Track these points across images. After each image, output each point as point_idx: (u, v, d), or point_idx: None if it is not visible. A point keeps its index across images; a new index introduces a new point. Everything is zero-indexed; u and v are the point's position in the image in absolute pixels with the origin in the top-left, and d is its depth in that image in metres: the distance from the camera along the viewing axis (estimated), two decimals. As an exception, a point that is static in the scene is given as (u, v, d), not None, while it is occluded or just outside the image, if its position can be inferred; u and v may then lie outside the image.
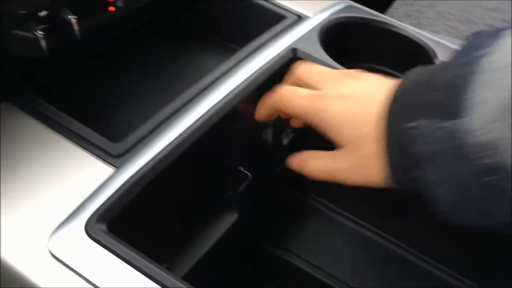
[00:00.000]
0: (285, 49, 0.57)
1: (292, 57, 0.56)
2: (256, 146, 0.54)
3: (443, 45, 0.61)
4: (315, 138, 0.60)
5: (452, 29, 0.90)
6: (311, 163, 0.42)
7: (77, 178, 0.43)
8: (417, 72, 0.36)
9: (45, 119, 0.47)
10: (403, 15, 0.94)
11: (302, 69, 0.45)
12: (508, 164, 0.29)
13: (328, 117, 0.39)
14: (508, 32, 0.32)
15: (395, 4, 0.97)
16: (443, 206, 0.33)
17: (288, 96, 0.42)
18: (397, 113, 0.35)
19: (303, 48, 0.57)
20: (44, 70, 0.51)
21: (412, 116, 0.33)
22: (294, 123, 0.48)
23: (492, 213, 0.31)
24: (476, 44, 0.32)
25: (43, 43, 0.46)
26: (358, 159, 0.38)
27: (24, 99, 0.49)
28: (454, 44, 0.64)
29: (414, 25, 0.92)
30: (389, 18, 0.66)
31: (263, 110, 0.47)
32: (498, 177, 0.29)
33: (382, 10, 0.96)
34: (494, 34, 0.32)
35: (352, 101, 0.38)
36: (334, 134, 0.39)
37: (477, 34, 0.34)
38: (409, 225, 0.60)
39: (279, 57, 0.55)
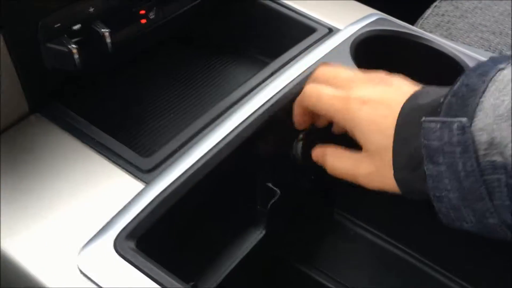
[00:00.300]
0: (316, 63, 0.56)
1: (323, 71, 0.56)
2: (286, 162, 0.53)
3: (476, 59, 0.60)
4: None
5: (485, 41, 0.88)
6: (333, 162, 0.44)
7: (107, 192, 0.43)
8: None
9: (75, 132, 0.47)
10: (433, 26, 0.92)
11: (327, 69, 0.45)
12: None
13: (357, 122, 0.40)
14: None
15: (426, 15, 0.96)
16: (443, 204, 0.34)
17: (317, 95, 0.43)
18: (410, 111, 0.37)
19: (334, 61, 0.56)
20: (75, 82, 0.52)
21: (424, 114, 0.35)
22: (320, 123, 0.49)
23: (491, 214, 0.32)
24: (500, 60, 0.35)
25: (76, 57, 0.46)
26: (378, 166, 0.39)
27: (54, 110, 0.49)
28: (487, 58, 0.62)
29: (445, 37, 0.90)
30: (420, 30, 0.65)
31: (295, 111, 0.48)
32: (504, 175, 0.31)
33: (413, 21, 0.94)
34: None
35: (381, 108, 0.39)
36: (361, 138, 0.40)
37: (499, 55, 0.37)
38: (439, 245, 0.59)
39: (310, 71, 0.54)
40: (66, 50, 0.45)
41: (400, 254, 0.62)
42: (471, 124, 0.32)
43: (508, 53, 0.84)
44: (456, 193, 0.33)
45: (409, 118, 0.37)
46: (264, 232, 0.51)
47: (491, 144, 0.31)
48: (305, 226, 0.61)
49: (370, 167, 0.39)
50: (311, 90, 0.44)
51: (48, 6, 0.44)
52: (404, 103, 0.38)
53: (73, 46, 0.46)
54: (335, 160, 0.44)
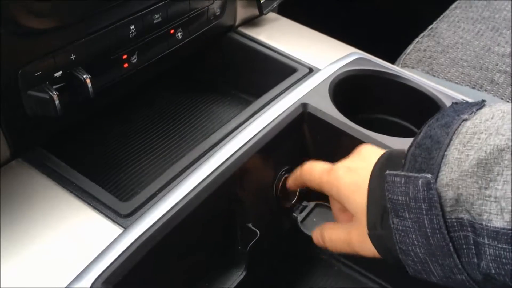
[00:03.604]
0: (295, 103, 0.57)
1: (302, 111, 0.57)
2: (265, 202, 0.54)
3: (454, 98, 0.61)
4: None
5: (466, 76, 0.89)
6: (330, 235, 0.45)
7: (85, 238, 0.43)
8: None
9: (55, 176, 0.48)
10: (415, 62, 0.94)
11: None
12: (482, 220, 0.29)
13: (341, 188, 0.41)
14: (488, 104, 0.35)
15: (408, 50, 0.98)
16: (410, 258, 0.34)
17: (308, 172, 0.46)
18: (380, 169, 0.38)
19: (313, 102, 0.57)
20: (56, 126, 0.52)
21: (391, 168, 0.35)
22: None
23: (459, 270, 0.31)
24: (461, 109, 0.35)
25: (57, 103, 0.47)
26: (364, 230, 0.39)
27: (36, 155, 0.49)
28: (465, 96, 0.63)
29: (427, 72, 0.92)
30: (399, 69, 0.66)
31: (290, 184, 0.52)
32: (471, 233, 0.30)
33: (395, 58, 0.96)
34: (477, 104, 0.35)
35: (359, 173, 0.40)
36: (346, 202, 0.41)
37: (462, 102, 0.37)
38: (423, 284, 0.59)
39: (290, 112, 0.56)
40: (47, 97, 0.46)
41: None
42: (436, 180, 0.32)
43: (470, 100, 0.86)
44: (423, 248, 0.32)
45: (379, 175, 0.37)
46: (245, 273, 0.52)
47: (457, 200, 0.31)
48: (286, 265, 0.61)
49: (362, 234, 0.39)
50: (304, 167, 0.47)
51: (29, 55, 0.45)
52: (375, 164, 0.39)
53: (54, 93, 0.46)
54: (332, 233, 0.45)
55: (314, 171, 0.45)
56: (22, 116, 0.47)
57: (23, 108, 0.47)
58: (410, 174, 0.33)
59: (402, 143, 0.53)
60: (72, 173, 0.48)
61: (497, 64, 0.93)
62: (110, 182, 0.54)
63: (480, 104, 0.35)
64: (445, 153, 0.32)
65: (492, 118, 0.32)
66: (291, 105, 0.57)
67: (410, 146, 0.35)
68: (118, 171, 0.56)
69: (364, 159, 0.41)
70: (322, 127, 0.56)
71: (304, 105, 0.57)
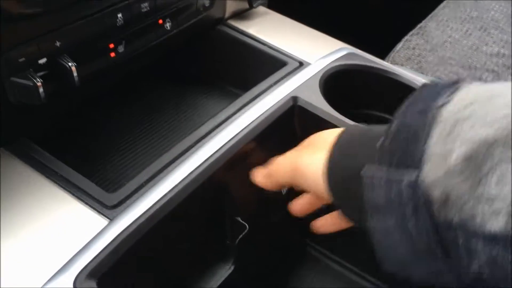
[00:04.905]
0: (285, 96, 0.56)
1: (293, 104, 0.56)
2: (254, 195, 0.53)
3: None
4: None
5: (454, 75, 0.90)
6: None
7: (69, 229, 0.42)
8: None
9: (38, 166, 0.46)
10: (405, 59, 0.94)
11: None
12: (475, 223, 0.26)
13: (308, 174, 0.39)
14: (466, 84, 0.30)
15: (397, 48, 0.98)
16: (390, 259, 0.31)
17: (275, 169, 0.44)
18: (340, 162, 0.35)
19: (303, 96, 0.57)
20: (41, 116, 0.51)
21: (361, 161, 0.32)
22: None
23: (447, 272, 0.28)
24: (438, 90, 0.30)
25: (41, 91, 0.45)
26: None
27: (19, 144, 0.48)
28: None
29: (416, 70, 0.92)
30: (388, 64, 0.66)
31: (264, 183, 0.47)
32: (463, 235, 0.27)
33: (384, 54, 0.96)
34: (452, 85, 0.30)
35: (320, 157, 0.38)
36: (313, 188, 0.39)
37: (434, 84, 0.32)
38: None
39: (280, 105, 0.55)
40: (31, 84, 0.45)
41: (371, 287, 0.62)
42: (417, 178, 0.28)
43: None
44: (406, 250, 0.29)
45: (344, 163, 0.35)
46: (233, 267, 0.51)
47: (446, 201, 0.27)
48: (275, 259, 0.60)
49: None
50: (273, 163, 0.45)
51: (13, 40, 0.44)
52: (333, 147, 0.37)
53: (38, 80, 0.45)
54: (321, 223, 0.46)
55: (278, 165, 0.43)
56: (5, 104, 0.46)
57: (6, 96, 0.45)
58: (391, 173, 0.29)
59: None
60: (56, 163, 0.47)
61: (485, 64, 0.94)
62: (95, 174, 0.53)
63: (456, 85, 0.30)
64: (425, 146, 0.28)
65: (475, 102, 0.28)
66: (282, 98, 0.56)
67: (385, 139, 0.31)
68: (104, 162, 0.54)
69: (325, 140, 0.39)
70: (312, 120, 0.55)
71: (295, 99, 0.56)
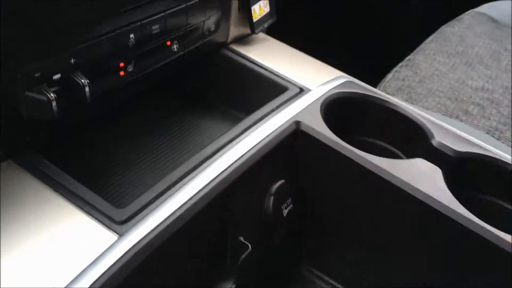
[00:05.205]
0: (288, 121, 0.58)
1: (296, 129, 0.58)
2: (257, 217, 0.54)
3: (439, 126, 0.63)
4: (314, 208, 0.61)
5: (442, 106, 0.93)
6: None
7: (78, 243, 0.42)
8: None
9: (48, 181, 0.46)
10: (395, 90, 0.97)
11: None
12: None
13: None
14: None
15: (387, 79, 1.01)
16: None
17: None
18: None
19: (305, 120, 0.58)
20: (50, 130, 0.51)
21: None
22: None
23: None
24: None
25: (54, 105, 0.46)
26: None
27: (27, 157, 0.48)
28: (450, 124, 0.66)
29: (406, 100, 0.95)
30: (386, 95, 0.69)
31: None
32: None
33: (375, 84, 0.99)
34: None
35: None
36: None
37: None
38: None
39: (284, 128, 0.57)
40: (45, 99, 0.45)
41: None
42: None
43: (464, 117, 0.90)
44: None
45: None
46: (233, 286, 0.51)
47: None
48: (273, 281, 0.61)
49: None
50: None
51: (30, 56, 0.45)
52: None
53: (52, 95, 0.46)
54: None
55: None
56: (17, 118, 0.46)
57: (19, 110, 0.46)
58: None
59: (391, 164, 0.55)
60: (64, 176, 0.47)
61: (471, 97, 0.97)
62: (101, 188, 0.53)
63: None
64: None
65: None
66: (285, 122, 0.58)
67: None
68: (110, 178, 0.55)
69: None
70: (314, 145, 0.57)
71: (297, 123, 0.58)
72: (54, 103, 0.46)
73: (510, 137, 0.91)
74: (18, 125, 0.47)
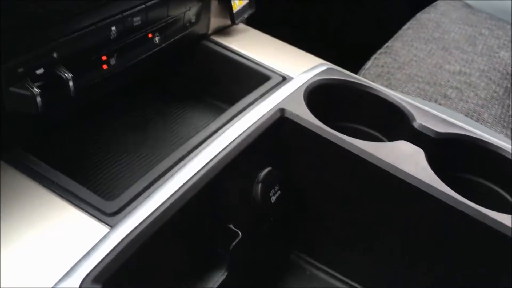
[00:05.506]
0: (273, 108, 0.59)
1: (280, 116, 0.58)
2: (246, 204, 0.55)
3: (417, 108, 0.64)
4: (301, 194, 0.62)
5: (422, 91, 0.95)
6: None
7: (71, 236, 0.42)
8: None
9: (36, 176, 0.46)
10: (375, 76, 0.98)
11: None
12: None
13: None
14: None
15: (367, 66, 1.03)
16: None
17: None
18: None
19: (290, 108, 0.59)
20: (36, 126, 0.51)
21: None
22: None
23: None
24: None
25: (38, 100, 0.46)
26: None
27: (15, 155, 0.48)
28: (429, 108, 0.67)
29: (386, 86, 0.96)
30: (367, 81, 0.70)
31: None
32: None
33: (356, 71, 1.01)
34: None
35: None
36: None
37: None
38: (395, 284, 0.61)
39: (269, 116, 0.57)
40: (29, 94, 0.45)
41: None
42: None
43: (443, 101, 0.91)
44: None
45: None
46: (226, 273, 0.52)
47: None
48: (263, 267, 0.62)
49: None
50: None
51: (13, 50, 0.44)
52: None
53: (36, 90, 0.46)
54: None
55: None
56: (1, 114, 0.46)
57: (3, 105, 0.46)
58: None
59: (375, 147, 0.56)
60: (53, 172, 0.47)
61: (448, 81, 0.99)
62: (90, 183, 0.53)
63: None
64: None
65: None
66: (269, 110, 0.58)
67: None
68: (97, 172, 0.55)
69: None
70: (299, 131, 0.58)
71: (282, 110, 0.59)
72: (38, 98, 0.46)
73: (488, 118, 0.93)
74: (2, 121, 0.47)
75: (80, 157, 0.56)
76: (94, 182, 0.54)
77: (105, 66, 0.54)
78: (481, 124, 0.90)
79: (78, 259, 0.40)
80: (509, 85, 1.05)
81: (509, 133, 0.92)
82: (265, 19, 0.95)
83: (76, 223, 0.43)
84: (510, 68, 1.09)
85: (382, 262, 0.60)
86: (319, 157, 0.59)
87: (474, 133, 0.62)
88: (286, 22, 1.46)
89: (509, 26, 1.25)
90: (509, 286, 0.50)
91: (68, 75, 0.48)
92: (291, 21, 1.50)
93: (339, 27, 1.50)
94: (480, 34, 1.19)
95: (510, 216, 0.51)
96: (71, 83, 0.48)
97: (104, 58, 0.54)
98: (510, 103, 1.01)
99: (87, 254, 0.40)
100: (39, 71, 0.47)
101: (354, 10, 1.51)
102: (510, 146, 0.61)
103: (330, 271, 0.65)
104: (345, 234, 0.62)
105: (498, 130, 0.90)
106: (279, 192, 0.58)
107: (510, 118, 0.96)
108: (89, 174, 0.54)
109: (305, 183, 0.62)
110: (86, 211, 0.44)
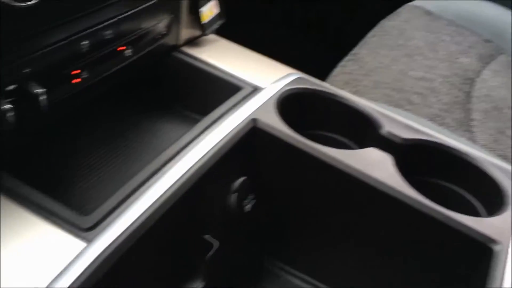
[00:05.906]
0: (245, 119, 0.60)
1: (253, 126, 0.59)
2: (221, 215, 0.55)
3: (386, 115, 0.67)
4: (275, 202, 0.63)
5: (388, 97, 0.98)
6: None
7: (47, 253, 0.42)
8: None
9: (10, 194, 0.46)
10: (342, 83, 1.01)
11: None
12: None
13: None
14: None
15: (334, 73, 1.05)
16: None
17: None
18: None
19: (262, 117, 0.60)
20: (6, 142, 0.51)
21: None
22: None
23: None
24: None
25: (9, 115, 0.46)
26: None
27: (-16, 172, 0.47)
28: (396, 113, 0.70)
29: (354, 93, 0.99)
30: (336, 89, 0.72)
31: None
32: None
33: (324, 78, 1.03)
34: None
35: None
36: None
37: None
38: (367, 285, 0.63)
39: (241, 127, 0.58)
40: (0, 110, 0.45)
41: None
42: None
43: (408, 107, 0.95)
44: None
45: None
46: (203, 284, 0.52)
47: None
48: (239, 276, 0.63)
49: None
50: None
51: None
52: None
53: (6, 106, 0.45)
54: None
55: None
56: (-29, 131, 0.45)
57: (-26, 123, 0.45)
58: None
59: (345, 155, 0.58)
60: (26, 189, 0.46)
61: (412, 87, 1.03)
62: (64, 198, 0.52)
63: None
64: None
65: None
66: (242, 121, 0.59)
67: None
68: (70, 187, 0.55)
69: None
70: (271, 141, 0.59)
71: (254, 121, 0.60)
72: (9, 114, 0.46)
73: (451, 123, 0.96)
74: (-27, 139, 0.46)
75: (52, 171, 0.56)
76: (67, 196, 0.53)
77: (77, 80, 0.54)
78: (445, 128, 0.94)
79: (55, 276, 0.40)
80: (469, 90, 1.09)
81: (471, 136, 0.95)
82: (236, 29, 0.96)
83: (52, 240, 0.43)
84: (470, 74, 1.14)
85: (354, 267, 0.62)
86: (291, 166, 0.60)
87: (438, 138, 0.64)
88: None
89: (468, 32, 1.30)
90: (479, 287, 0.52)
91: (40, 90, 0.48)
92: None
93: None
94: (441, 41, 1.23)
95: (474, 218, 0.54)
96: (43, 98, 0.48)
97: (76, 72, 0.54)
98: (471, 107, 1.05)
99: (64, 270, 0.40)
100: (10, 87, 0.47)
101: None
102: (472, 150, 0.64)
103: (303, 276, 0.66)
104: (317, 240, 0.63)
105: (461, 134, 0.94)
106: (253, 201, 0.59)
107: (472, 122, 1.00)
108: (62, 188, 0.54)
109: (278, 191, 0.63)
110: (62, 227, 0.44)
